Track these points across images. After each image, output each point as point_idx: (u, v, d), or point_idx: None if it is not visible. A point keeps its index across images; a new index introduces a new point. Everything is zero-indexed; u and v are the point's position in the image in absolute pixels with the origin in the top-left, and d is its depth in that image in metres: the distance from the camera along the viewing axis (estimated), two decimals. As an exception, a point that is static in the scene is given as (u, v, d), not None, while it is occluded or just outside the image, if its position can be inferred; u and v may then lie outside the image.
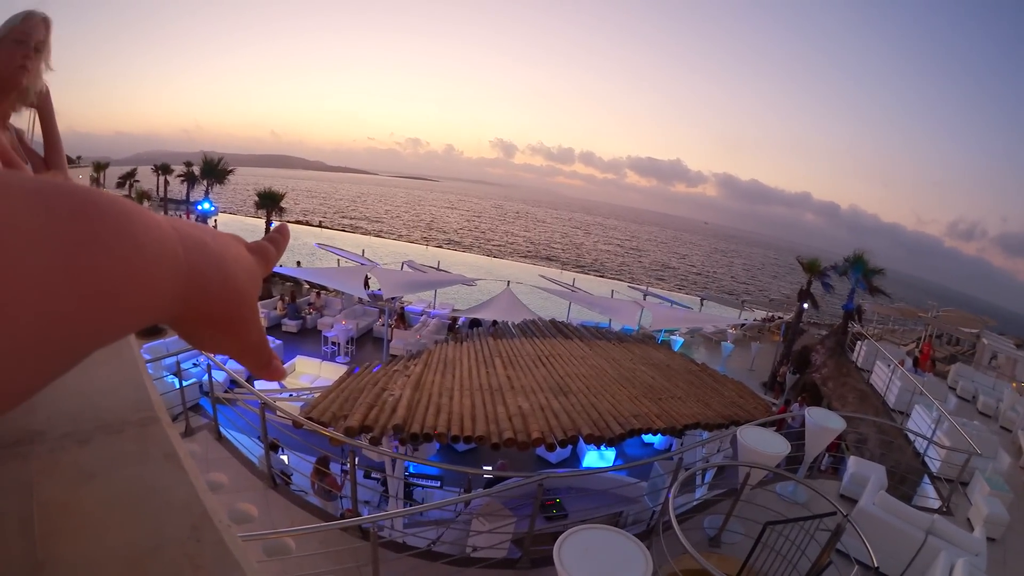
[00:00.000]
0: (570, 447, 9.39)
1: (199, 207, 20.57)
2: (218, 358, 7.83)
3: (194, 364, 12.36)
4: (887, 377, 14.63)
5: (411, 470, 9.26)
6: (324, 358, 15.87)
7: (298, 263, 30.18)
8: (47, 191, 0.23)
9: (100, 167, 46.50)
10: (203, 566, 0.47)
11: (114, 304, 0.24)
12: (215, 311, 0.35)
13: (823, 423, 7.00)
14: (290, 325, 18.56)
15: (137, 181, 48.18)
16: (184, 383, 7.80)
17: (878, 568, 5.25)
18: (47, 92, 1.80)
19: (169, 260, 0.29)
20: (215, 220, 32.87)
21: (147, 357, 9.63)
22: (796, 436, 7.44)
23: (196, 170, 33.63)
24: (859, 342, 18.64)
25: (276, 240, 0.48)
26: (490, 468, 9.23)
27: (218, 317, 0.35)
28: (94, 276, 0.23)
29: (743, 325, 27.04)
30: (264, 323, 16.12)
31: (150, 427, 0.65)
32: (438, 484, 9.33)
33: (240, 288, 0.37)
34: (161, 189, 45.01)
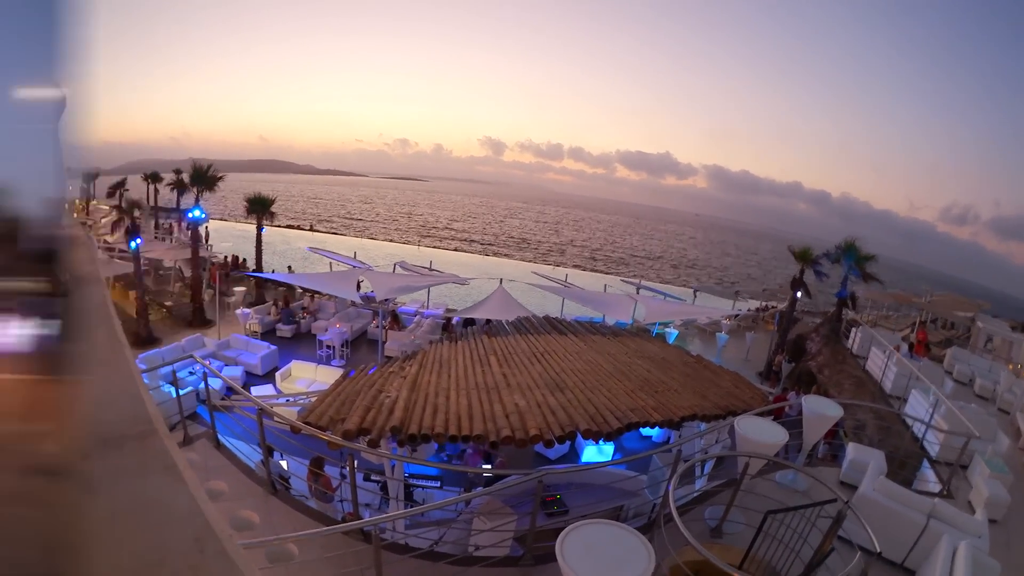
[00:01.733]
0: (568, 443, 9.42)
1: (190, 215, 20.50)
2: (214, 365, 7.77)
3: (190, 373, 12.32)
4: (883, 363, 14.70)
5: (412, 471, 9.26)
6: (319, 362, 15.90)
7: (289, 268, 30.10)
8: None
9: (90, 178, 46.07)
10: (208, 577, 0.47)
11: None
12: None
13: (820, 411, 7.02)
14: (284, 330, 18.56)
15: (127, 190, 47.80)
16: (181, 392, 7.78)
17: (880, 553, 5.27)
18: None
19: None
20: (207, 227, 32.68)
21: (142, 367, 9.56)
22: (793, 424, 7.47)
23: (185, 178, 33.36)
24: (853, 329, 18.73)
25: None
26: (489, 467, 9.23)
27: None
28: None
29: (737, 315, 27.15)
30: (258, 328, 16.00)
31: (149, 439, 0.65)
32: (438, 484, 9.33)
33: None
34: (152, 198, 44.78)
